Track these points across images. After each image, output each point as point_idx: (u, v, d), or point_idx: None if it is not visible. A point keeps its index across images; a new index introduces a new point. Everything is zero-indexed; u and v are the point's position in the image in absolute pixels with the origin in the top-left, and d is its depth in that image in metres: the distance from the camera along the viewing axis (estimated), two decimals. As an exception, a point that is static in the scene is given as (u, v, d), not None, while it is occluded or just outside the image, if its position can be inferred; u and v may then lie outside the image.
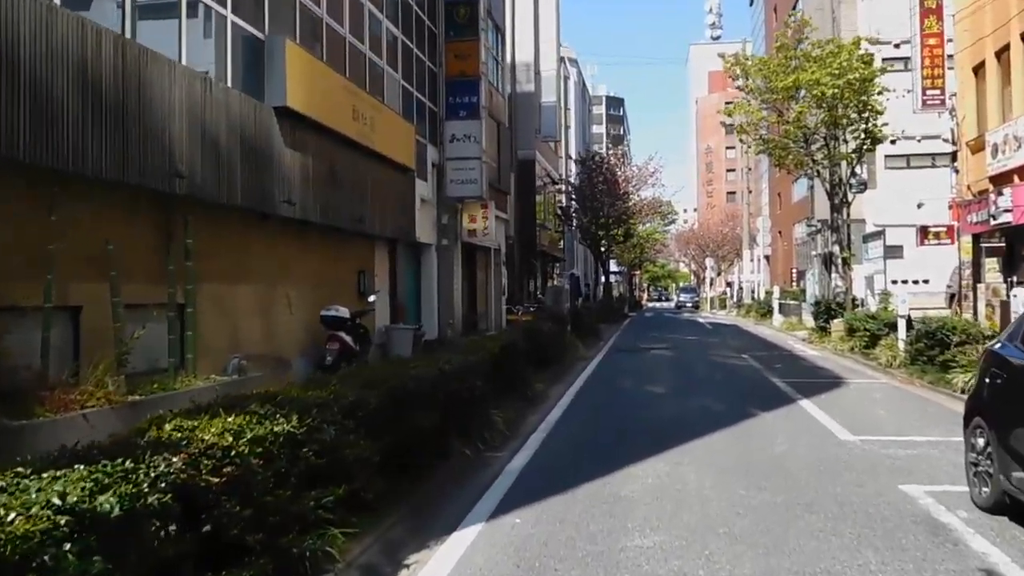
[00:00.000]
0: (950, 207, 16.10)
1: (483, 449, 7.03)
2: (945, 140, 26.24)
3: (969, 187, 16.07)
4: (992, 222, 14.20)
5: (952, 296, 25.11)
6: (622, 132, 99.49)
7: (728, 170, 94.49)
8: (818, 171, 17.35)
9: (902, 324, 12.96)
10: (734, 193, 73.07)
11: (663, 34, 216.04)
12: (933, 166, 27.57)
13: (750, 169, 51.20)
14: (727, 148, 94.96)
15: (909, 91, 16.54)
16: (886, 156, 28.31)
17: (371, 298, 12.42)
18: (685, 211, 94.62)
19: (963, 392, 9.54)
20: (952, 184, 16.86)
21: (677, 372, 13.32)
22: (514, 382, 9.87)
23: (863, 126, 16.63)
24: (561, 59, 48.97)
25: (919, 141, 28.29)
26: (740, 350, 17.27)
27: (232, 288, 9.63)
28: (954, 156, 16.83)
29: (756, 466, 6.15)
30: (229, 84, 9.17)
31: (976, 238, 15.66)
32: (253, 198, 9.33)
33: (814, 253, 33.71)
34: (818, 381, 11.65)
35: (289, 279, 11.03)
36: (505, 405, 8.94)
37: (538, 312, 16.78)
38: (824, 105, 15.77)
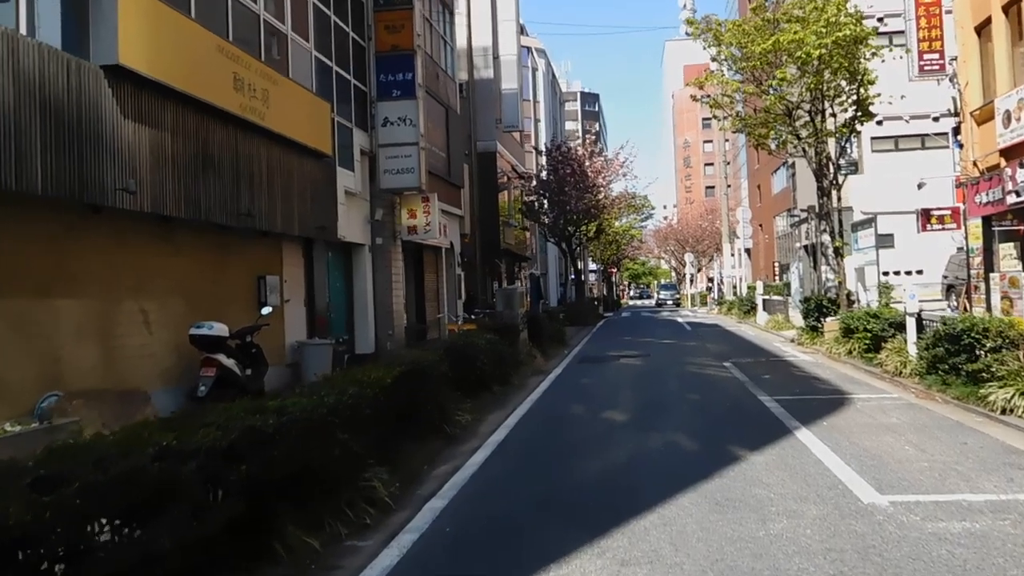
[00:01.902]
0: (960, 185, 14.00)
1: (340, 537, 4.72)
2: (936, 119, 24.41)
3: (976, 163, 14.01)
4: (1008, 201, 12.15)
5: (949, 287, 23.13)
6: (598, 128, 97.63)
7: (706, 164, 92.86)
8: (803, 149, 15.20)
9: (912, 324, 10.82)
10: (713, 187, 71.32)
11: (638, 31, 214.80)
12: (923, 147, 25.69)
13: (728, 163, 49.32)
14: (705, 142, 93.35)
15: (902, 55, 14.41)
16: (872, 138, 26.38)
17: (264, 310, 10.07)
18: (665, 207, 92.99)
19: (1005, 412, 7.37)
20: (956, 161, 14.82)
21: (645, 390, 11.07)
22: (426, 417, 7.57)
23: (853, 97, 14.51)
24: (528, 49, 46.83)
25: (907, 121, 26.39)
26: (721, 356, 15.06)
27: (45, 304, 7.27)
28: (957, 129, 14.78)
29: (743, 569, 3.91)
30: (31, 34, 6.84)
31: (987, 221, 13.60)
32: (65, 185, 6.93)
33: (798, 245, 31.73)
34: (816, 399, 9.44)
35: (146, 289, 8.65)
36: (405, 452, 6.63)
37: (490, 319, 14.45)
38: (809, 70, 13.62)
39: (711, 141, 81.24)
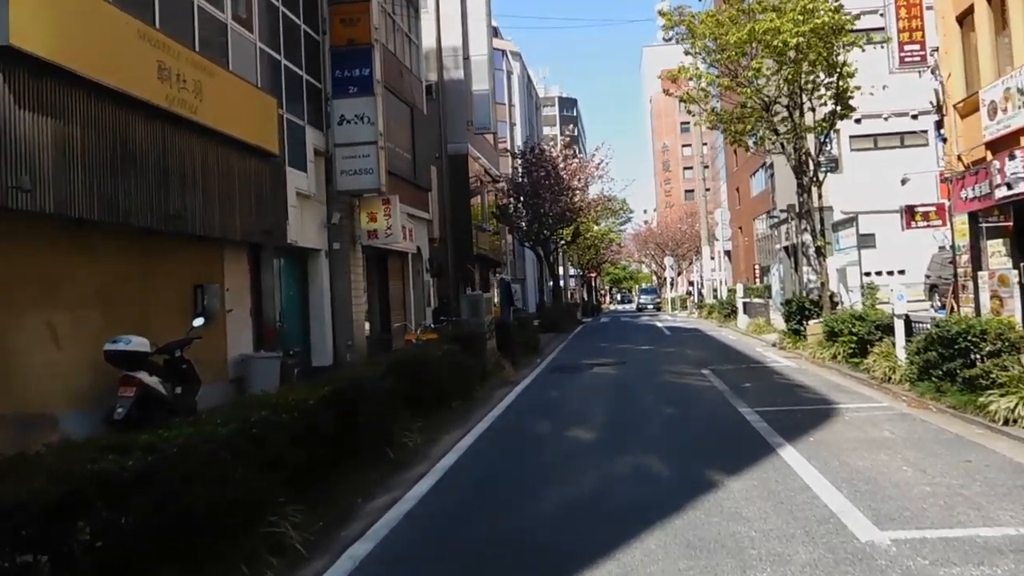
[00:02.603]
0: (944, 181, 13.38)
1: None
2: (915, 116, 23.92)
3: (960, 158, 13.41)
4: (997, 195, 11.53)
5: (932, 287, 22.64)
6: (576, 133, 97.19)
7: (685, 168, 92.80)
8: (782, 145, 14.54)
9: (900, 326, 10.12)
10: (692, 191, 71.09)
11: (615, 38, 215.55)
12: (903, 145, 25.28)
13: (707, 166, 48.94)
14: (683, 146, 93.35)
15: (882, 46, 13.79)
16: (851, 137, 25.94)
17: (196, 322, 9.12)
18: (645, 211, 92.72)
19: (1008, 423, 6.64)
20: (939, 156, 14.23)
21: (617, 403, 10.25)
22: (366, 442, 6.70)
23: (831, 91, 13.86)
24: (503, 52, 46.16)
25: (886, 119, 25.99)
26: (700, 363, 14.30)
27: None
28: (939, 123, 14.19)
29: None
30: None
31: (973, 217, 12.98)
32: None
33: (778, 247, 31.22)
34: (800, 410, 8.67)
35: (53, 300, 7.71)
36: (336, 485, 5.76)
37: (454, 327, 13.57)
38: (786, 61, 12.94)
39: (689, 145, 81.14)
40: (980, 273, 12.76)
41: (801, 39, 12.14)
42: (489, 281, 32.05)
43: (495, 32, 44.39)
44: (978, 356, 7.68)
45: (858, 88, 13.69)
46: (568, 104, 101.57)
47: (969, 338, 7.70)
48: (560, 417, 9.14)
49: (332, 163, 14.33)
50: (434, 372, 9.25)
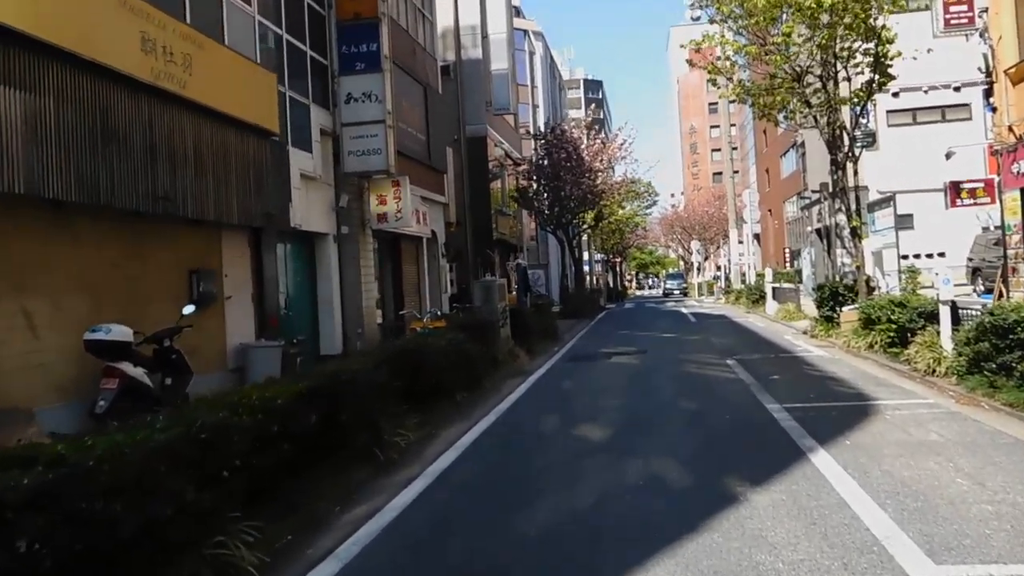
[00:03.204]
0: (994, 154, 12.37)
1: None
2: (957, 89, 22.48)
3: (1012, 128, 12.38)
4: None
5: (975, 271, 21.43)
6: (602, 116, 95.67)
7: (713, 150, 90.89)
8: (815, 118, 13.58)
9: (946, 313, 9.26)
10: (720, 173, 69.47)
11: (642, 19, 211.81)
12: (944, 120, 23.96)
13: (735, 148, 47.57)
14: (711, 127, 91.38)
15: (926, 6, 12.72)
16: (888, 112, 24.66)
17: (186, 309, 8.63)
18: (672, 195, 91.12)
19: (1077, 426, 5.82)
20: (988, 127, 13.18)
21: (634, 397, 9.56)
22: (352, 441, 6.13)
23: (869, 58, 12.85)
24: (525, 32, 45.10)
25: (926, 92, 24.66)
26: (725, 352, 13.52)
27: None
28: (988, 91, 13.14)
29: None
30: None
31: (1026, 193, 12.00)
32: None
33: (809, 229, 30.07)
34: (835, 406, 7.90)
35: (31, 287, 7.26)
36: (315, 490, 5.21)
37: (467, 314, 12.96)
38: (819, 24, 11.97)
39: (718, 126, 79.28)
40: (1033, 255, 11.79)
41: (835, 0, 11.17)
42: (509, 266, 31.42)
43: (516, 12, 43.36)
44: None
45: (899, 55, 12.70)
46: (593, 86, 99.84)
47: (1029, 327, 6.87)
48: (570, 413, 8.49)
49: (339, 143, 13.77)
50: (436, 363, 8.66)
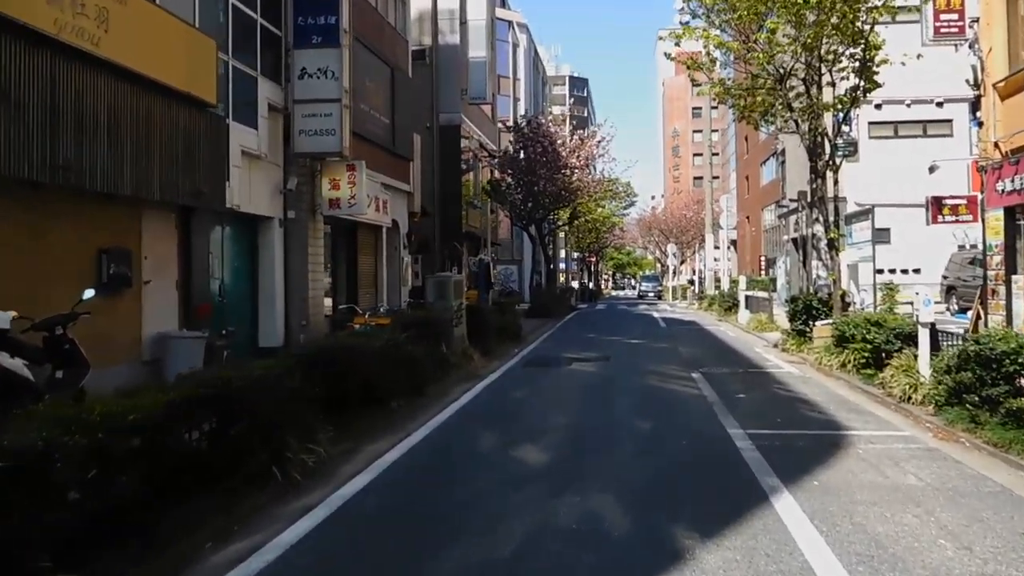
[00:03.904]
0: (983, 169, 11.76)
1: None
2: (940, 104, 21.93)
3: (998, 145, 11.78)
4: (1044, 187, 9.94)
5: (950, 288, 21.04)
6: (586, 114, 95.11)
7: (695, 154, 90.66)
8: (795, 123, 12.90)
9: (925, 337, 8.59)
10: (701, 178, 69.16)
11: (631, 22, 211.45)
12: (925, 135, 23.54)
13: (716, 154, 47.19)
14: (694, 131, 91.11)
15: (916, 5, 12.06)
16: (870, 123, 24.18)
17: (85, 294, 7.64)
18: (653, 197, 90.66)
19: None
20: (973, 142, 12.60)
21: (586, 412, 8.76)
22: (245, 460, 5.24)
23: (855, 64, 12.19)
24: (509, 23, 44.14)
25: (908, 106, 24.21)
26: (691, 363, 12.79)
27: None
28: (975, 104, 12.54)
29: None
30: None
31: (1010, 213, 11.39)
32: None
33: (786, 238, 29.60)
34: (803, 435, 7.16)
35: None
36: (185, 523, 4.31)
37: (412, 311, 12.02)
38: (804, 21, 11.26)
39: (700, 131, 79.00)
40: (1015, 277, 11.18)
41: (822, -2, 10.46)
42: (471, 262, 30.47)
43: (501, 1, 42.36)
44: (1028, 382, 6.16)
45: (885, 62, 12.04)
46: (579, 84, 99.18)
47: (1021, 360, 6.17)
48: (514, 429, 7.66)
49: (291, 122, 12.79)
50: (368, 366, 7.77)
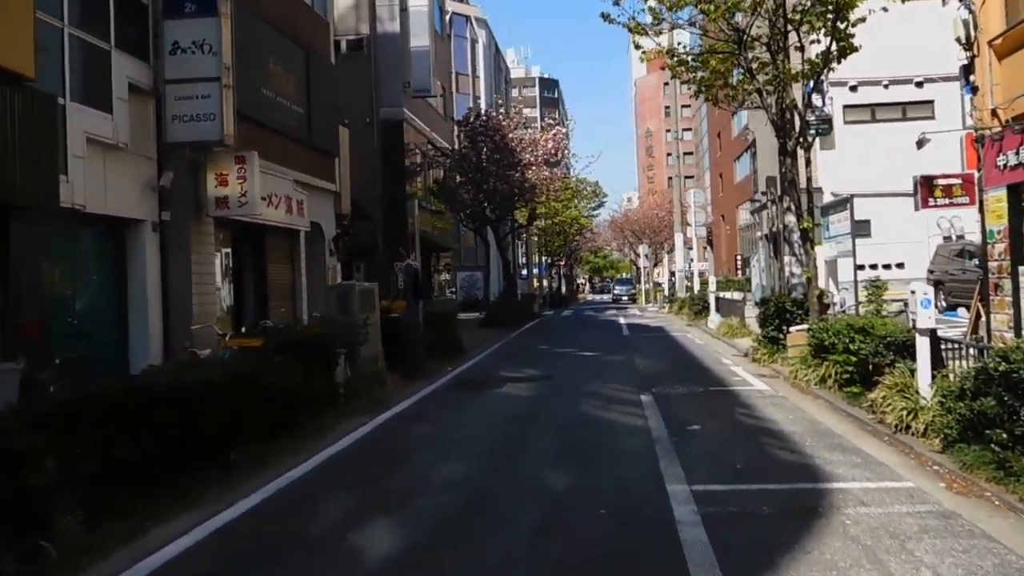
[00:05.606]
0: (979, 140, 9.95)
1: None
2: (919, 84, 20.37)
3: (996, 112, 10.01)
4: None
5: (936, 284, 19.37)
6: (557, 116, 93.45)
7: (668, 154, 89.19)
8: (759, 93, 11.07)
9: (924, 347, 6.70)
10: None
11: (603, 23, 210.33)
12: (904, 117, 21.93)
13: (689, 153, 45.72)
14: (667, 131, 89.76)
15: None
16: (845, 107, 22.53)
17: None
18: (629, 200, 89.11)
19: None
20: (968, 111, 10.84)
21: (492, 460, 6.70)
22: None
23: (826, 25, 10.39)
24: (467, 19, 42.29)
25: (886, 87, 22.60)
26: (643, 382, 10.81)
27: None
28: (968, 68, 10.77)
29: None
30: None
31: (1014, 191, 9.59)
32: None
33: (759, 234, 27.91)
34: (771, 492, 5.19)
35: None
36: None
37: (280, 331, 9.78)
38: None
39: (671, 130, 77.62)
40: (1022, 268, 9.39)
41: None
42: (432, 267, 28.43)
43: (457, -7, 40.45)
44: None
45: (863, 19, 10.25)
46: (549, 85, 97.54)
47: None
48: (385, 490, 5.62)
49: (162, 105, 10.71)
50: (188, 411, 5.71)
